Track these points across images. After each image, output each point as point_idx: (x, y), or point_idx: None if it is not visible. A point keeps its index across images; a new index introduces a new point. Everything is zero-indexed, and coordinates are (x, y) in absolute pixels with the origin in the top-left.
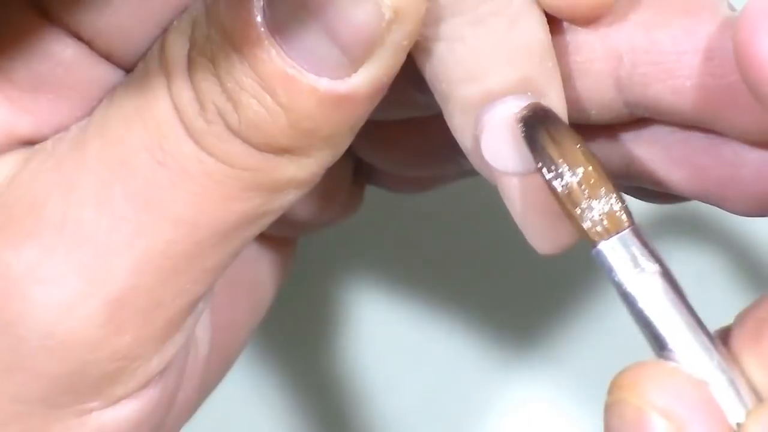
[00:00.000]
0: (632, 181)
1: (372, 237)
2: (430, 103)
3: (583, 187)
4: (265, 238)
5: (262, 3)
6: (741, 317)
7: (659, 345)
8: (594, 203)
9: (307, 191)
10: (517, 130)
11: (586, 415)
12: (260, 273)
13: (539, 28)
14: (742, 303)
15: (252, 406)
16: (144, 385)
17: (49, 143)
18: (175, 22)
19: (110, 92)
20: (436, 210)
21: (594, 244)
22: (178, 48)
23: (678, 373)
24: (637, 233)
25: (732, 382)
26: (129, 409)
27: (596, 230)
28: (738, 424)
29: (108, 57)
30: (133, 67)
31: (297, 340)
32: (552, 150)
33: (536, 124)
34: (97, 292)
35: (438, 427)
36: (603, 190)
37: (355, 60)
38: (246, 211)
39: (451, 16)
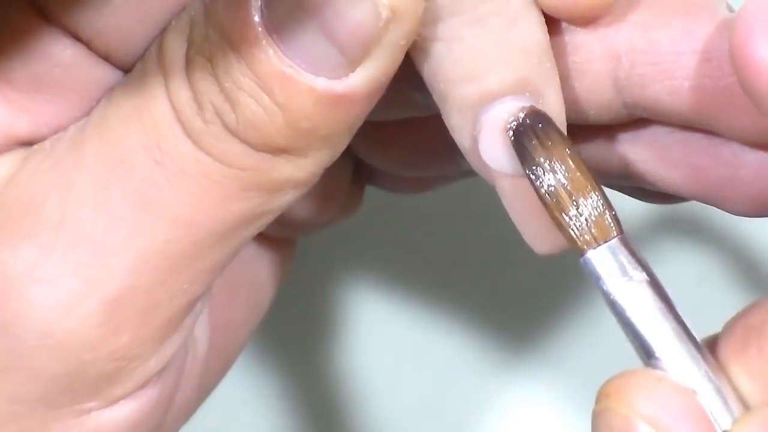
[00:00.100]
0: (631, 182)
1: (371, 237)
2: (429, 104)
3: (571, 194)
4: (264, 238)
5: (259, 3)
6: (729, 325)
7: (647, 353)
8: (582, 210)
9: (305, 191)
10: (507, 135)
11: (585, 416)
12: (260, 273)
13: (538, 29)
14: (740, 303)
15: (251, 406)
16: (142, 386)
17: (47, 143)
18: (173, 22)
19: (108, 92)
20: (436, 210)
21: (582, 252)
22: (176, 47)
23: (665, 382)
24: (625, 242)
25: (719, 391)
26: (127, 409)
27: (584, 238)
28: None
29: (107, 57)
30: (131, 68)
31: (296, 340)
32: (540, 156)
33: (526, 129)
34: (95, 292)
35: (437, 428)
36: (591, 198)
37: (352, 60)
38: (244, 211)
39: (450, 16)
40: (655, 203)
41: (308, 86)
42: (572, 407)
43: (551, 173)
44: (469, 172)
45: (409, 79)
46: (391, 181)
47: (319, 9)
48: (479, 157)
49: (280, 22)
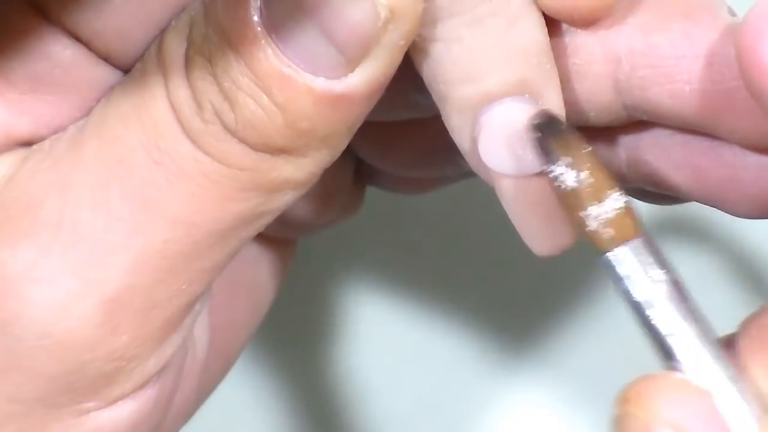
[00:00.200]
0: (632, 183)
1: (372, 237)
2: (429, 105)
3: (592, 193)
4: (265, 238)
5: (259, 3)
6: (746, 325)
7: (667, 355)
8: (603, 210)
9: (304, 192)
10: (527, 135)
11: (584, 416)
12: (260, 274)
13: (537, 30)
14: (741, 304)
15: (251, 406)
16: (141, 386)
17: (46, 143)
18: (173, 22)
19: (108, 92)
20: (436, 211)
21: (603, 251)
22: (175, 47)
23: (687, 386)
24: (648, 241)
25: (741, 393)
26: (127, 409)
27: (605, 238)
28: None
29: (107, 58)
30: (131, 69)
31: (296, 340)
32: (561, 155)
33: (545, 130)
34: (94, 292)
35: (437, 428)
36: (612, 197)
37: (351, 60)
38: (243, 211)
39: (449, 17)
40: (655, 204)
41: (307, 86)
42: (571, 408)
43: (572, 172)
44: (469, 173)
45: (409, 80)
46: (392, 181)
47: (317, 9)
48: (478, 157)
49: (279, 21)
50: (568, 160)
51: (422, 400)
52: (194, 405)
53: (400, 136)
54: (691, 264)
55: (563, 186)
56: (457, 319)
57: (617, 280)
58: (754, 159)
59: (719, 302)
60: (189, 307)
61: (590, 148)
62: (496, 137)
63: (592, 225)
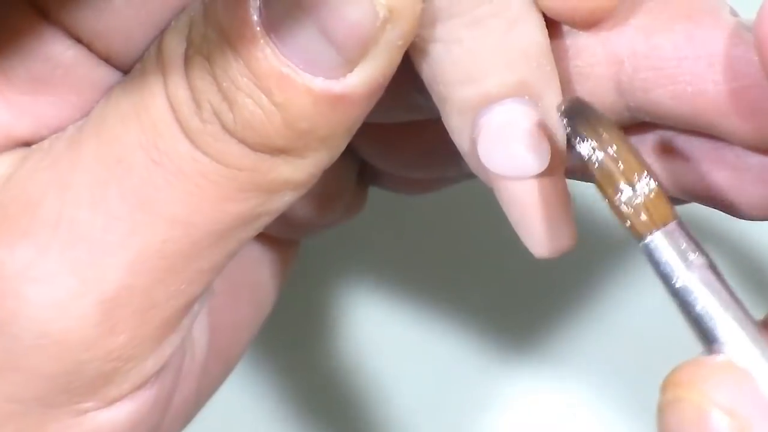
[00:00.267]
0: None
1: (374, 238)
2: (431, 107)
3: (624, 173)
4: (268, 239)
5: (258, 2)
6: None
7: (710, 339)
8: (639, 194)
9: (303, 193)
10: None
11: (586, 412)
12: (263, 274)
13: (538, 32)
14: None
15: (251, 407)
16: (140, 386)
17: (46, 143)
18: (173, 22)
19: (108, 91)
20: (438, 211)
21: (642, 237)
22: (175, 47)
23: (734, 368)
24: (682, 225)
25: None
26: (125, 410)
27: (643, 222)
28: None
29: (107, 59)
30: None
31: (297, 340)
32: (596, 140)
33: (576, 112)
34: (92, 292)
35: (437, 427)
36: (647, 180)
37: (350, 60)
38: (242, 211)
39: (448, 18)
40: None
41: (306, 86)
42: (572, 404)
43: (607, 157)
44: (471, 174)
45: (410, 81)
46: (395, 182)
47: (316, 8)
48: (478, 159)
49: (278, 21)
50: (600, 145)
51: (423, 399)
52: (194, 406)
53: (402, 138)
54: None
55: (596, 164)
56: (457, 320)
57: (658, 264)
58: (756, 160)
59: None
60: (187, 307)
61: (622, 133)
62: (496, 139)
63: (626, 208)
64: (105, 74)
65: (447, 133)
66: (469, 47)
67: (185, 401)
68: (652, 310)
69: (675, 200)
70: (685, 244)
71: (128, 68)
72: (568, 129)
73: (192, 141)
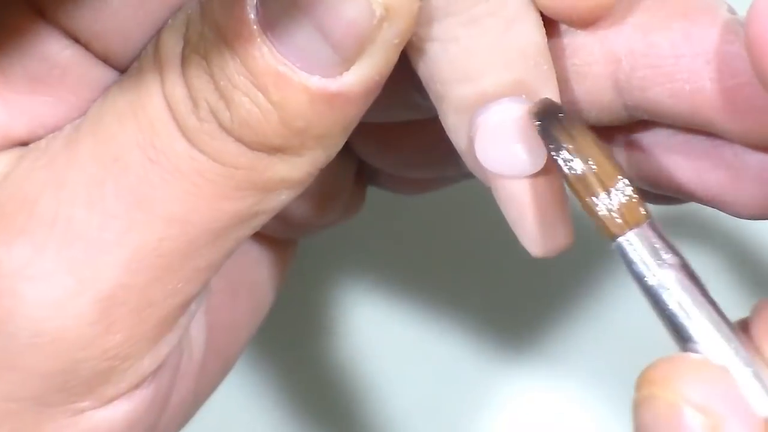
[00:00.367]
0: (632, 182)
1: (372, 237)
2: (429, 106)
3: (599, 179)
4: (266, 239)
5: (255, 1)
6: (759, 308)
7: (683, 338)
8: (612, 196)
9: (300, 192)
10: (531, 123)
11: (583, 411)
12: (261, 274)
13: (535, 31)
14: (741, 305)
15: (249, 407)
16: (136, 385)
17: (43, 142)
18: (170, 21)
19: (105, 90)
20: (437, 211)
21: (614, 237)
22: (172, 45)
23: (708, 366)
24: (654, 226)
25: (757, 375)
26: (122, 409)
27: (616, 223)
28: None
29: (105, 59)
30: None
31: (295, 340)
32: (568, 142)
33: (551, 118)
34: (88, 290)
35: (437, 427)
36: (620, 183)
37: (346, 58)
38: (238, 210)
39: (445, 17)
40: (655, 204)
41: (302, 85)
42: (570, 404)
43: (579, 159)
44: (469, 174)
45: (409, 80)
46: (393, 182)
47: (313, 6)
48: (475, 158)
49: (275, 19)
50: (573, 147)
51: (422, 399)
52: (192, 406)
53: (400, 137)
54: (691, 264)
55: (571, 172)
56: (456, 319)
57: (630, 264)
58: (754, 159)
59: (719, 302)
60: (184, 306)
61: (595, 138)
62: (493, 137)
63: (602, 211)
64: (102, 74)
65: (445, 132)
66: (466, 46)
67: (183, 401)
68: (649, 309)
69: (671, 199)
70: (657, 244)
71: (125, 68)
72: (541, 133)
73: (189, 139)
